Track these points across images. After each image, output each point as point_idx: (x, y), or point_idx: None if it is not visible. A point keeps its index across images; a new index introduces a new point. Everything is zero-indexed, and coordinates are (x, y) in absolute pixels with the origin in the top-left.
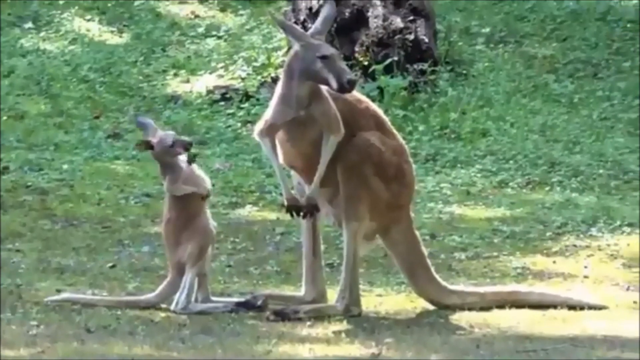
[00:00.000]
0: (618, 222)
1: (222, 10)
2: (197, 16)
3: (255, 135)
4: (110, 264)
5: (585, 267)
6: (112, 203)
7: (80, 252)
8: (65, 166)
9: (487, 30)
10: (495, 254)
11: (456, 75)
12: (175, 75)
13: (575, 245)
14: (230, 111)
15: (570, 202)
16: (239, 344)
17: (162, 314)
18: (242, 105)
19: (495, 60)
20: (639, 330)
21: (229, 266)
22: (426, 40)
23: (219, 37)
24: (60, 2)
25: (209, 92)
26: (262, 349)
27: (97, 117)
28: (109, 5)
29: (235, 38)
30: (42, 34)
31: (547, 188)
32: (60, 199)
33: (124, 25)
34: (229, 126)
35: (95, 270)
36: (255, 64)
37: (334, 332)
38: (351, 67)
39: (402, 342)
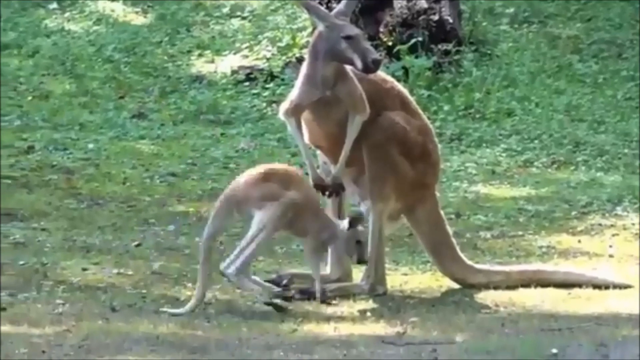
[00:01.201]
0: None
1: None
2: None
3: (281, 115)
4: (135, 243)
5: (610, 246)
6: (137, 182)
7: (105, 231)
8: (90, 145)
9: (511, 10)
10: (520, 233)
11: (480, 56)
12: (200, 55)
13: (600, 225)
14: (255, 91)
15: (595, 181)
16: (264, 323)
17: (188, 292)
18: (267, 86)
19: (520, 41)
20: None
21: None
22: (450, 20)
23: (244, 18)
24: None
25: (234, 72)
26: (288, 328)
27: (122, 97)
28: None
29: (260, 18)
30: (67, 14)
31: (572, 167)
32: (85, 178)
33: (149, 6)
34: (254, 106)
35: (120, 249)
36: (279, 44)
37: (359, 311)
38: (376, 47)
39: (427, 321)
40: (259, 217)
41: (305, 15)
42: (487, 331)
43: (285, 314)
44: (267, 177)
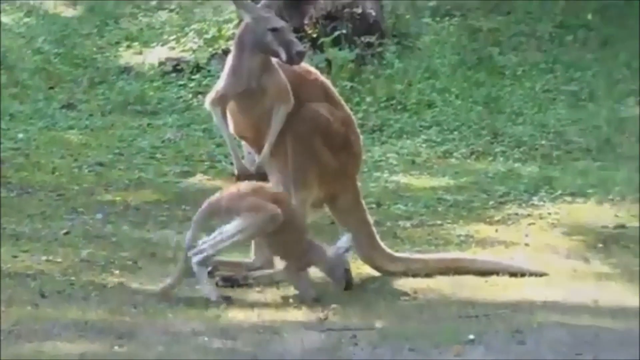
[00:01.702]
0: (559, 192)
1: None
2: None
3: (207, 105)
4: (64, 231)
5: (527, 235)
6: (66, 171)
7: (34, 219)
8: (20, 135)
9: (433, 3)
10: (439, 222)
11: (403, 48)
12: (128, 47)
13: (517, 214)
14: (182, 82)
15: (513, 172)
16: (189, 310)
17: (115, 279)
18: (193, 77)
19: (441, 33)
20: (577, 296)
21: (180, 233)
22: (373, 13)
23: (171, 10)
24: None
25: (161, 63)
26: (212, 314)
27: (51, 88)
28: None
29: (187, 11)
30: None
31: (490, 158)
32: (15, 167)
33: None
34: (180, 97)
35: (49, 237)
36: (206, 36)
37: (282, 298)
38: (300, 39)
39: (347, 307)
40: (241, 220)
41: (231, 7)
42: (405, 317)
43: (210, 277)
44: (256, 191)
